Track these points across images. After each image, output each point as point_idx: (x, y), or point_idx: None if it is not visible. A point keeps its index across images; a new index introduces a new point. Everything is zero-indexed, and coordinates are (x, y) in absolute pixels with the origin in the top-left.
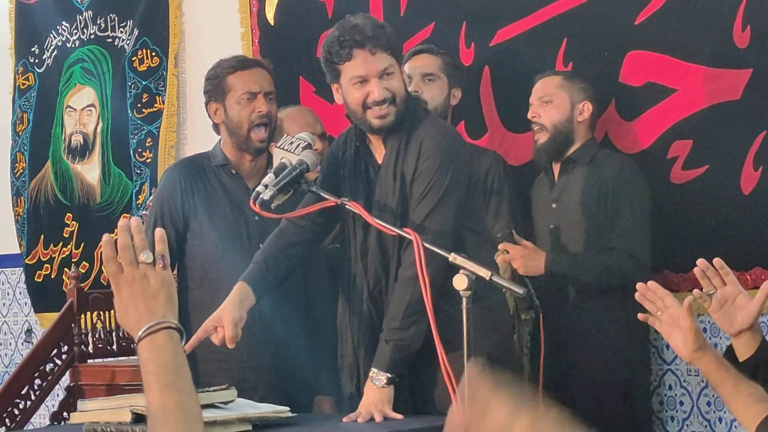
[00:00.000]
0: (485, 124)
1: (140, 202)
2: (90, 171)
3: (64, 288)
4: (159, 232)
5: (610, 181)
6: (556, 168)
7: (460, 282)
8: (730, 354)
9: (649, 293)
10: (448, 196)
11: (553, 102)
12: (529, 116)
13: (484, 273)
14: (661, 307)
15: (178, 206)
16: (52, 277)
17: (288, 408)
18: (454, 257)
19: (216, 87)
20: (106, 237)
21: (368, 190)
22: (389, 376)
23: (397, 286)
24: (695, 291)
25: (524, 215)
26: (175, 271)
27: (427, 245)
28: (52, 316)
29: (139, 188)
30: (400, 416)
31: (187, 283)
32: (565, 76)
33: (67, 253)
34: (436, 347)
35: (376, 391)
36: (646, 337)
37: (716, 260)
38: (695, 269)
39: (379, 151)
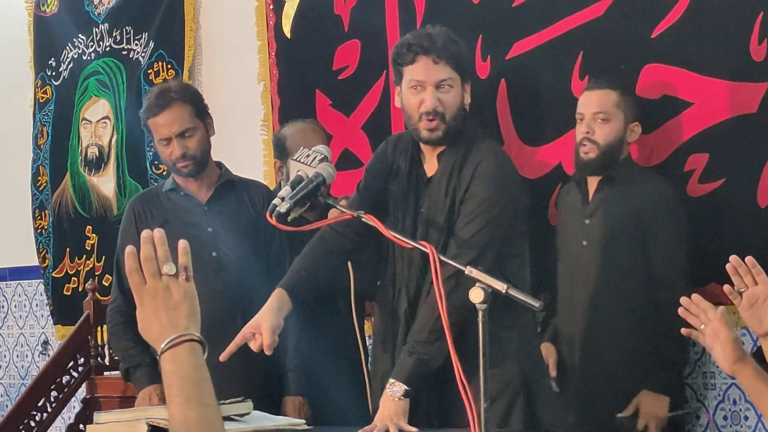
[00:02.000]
0: (501, 138)
1: None
2: (105, 183)
3: None
4: (182, 244)
5: (649, 205)
6: (592, 182)
7: (476, 295)
8: (758, 355)
9: (693, 307)
10: (494, 223)
11: (610, 121)
12: (582, 131)
13: (500, 286)
14: (704, 321)
15: (134, 236)
16: (80, 290)
17: (303, 420)
18: (470, 270)
19: (146, 128)
20: (129, 248)
21: (417, 202)
22: (407, 388)
23: (428, 299)
24: (725, 286)
25: (540, 228)
26: None
27: (442, 258)
28: None
29: None
30: (414, 429)
31: None
32: (621, 92)
33: (91, 266)
34: (453, 361)
35: (392, 403)
36: None
37: (748, 258)
38: (727, 265)
39: (429, 163)
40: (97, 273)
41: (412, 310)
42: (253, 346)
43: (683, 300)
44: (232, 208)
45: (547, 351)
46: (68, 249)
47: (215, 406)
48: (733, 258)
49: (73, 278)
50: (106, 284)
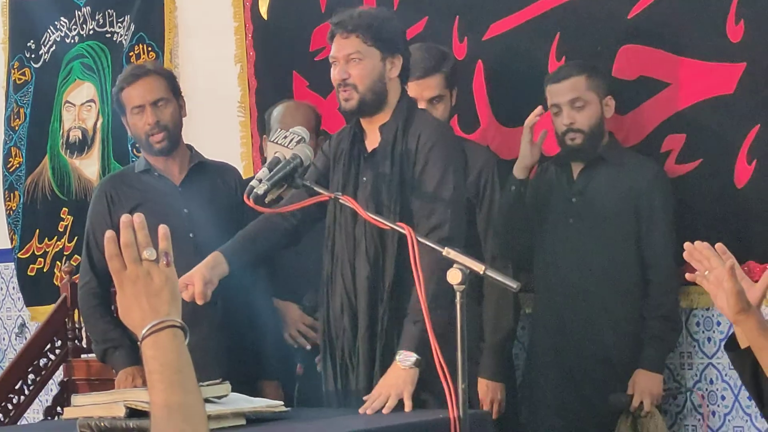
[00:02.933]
0: (478, 119)
1: None
2: (89, 166)
3: (55, 281)
4: (163, 229)
5: (645, 186)
6: (576, 162)
7: (454, 276)
8: (732, 342)
9: (696, 253)
10: (457, 201)
11: (587, 105)
12: (564, 123)
13: (478, 267)
14: (708, 267)
15: (107, 217)
16: (45, 270)
17: (282, 402)
18: (447, 251)
19: (117, 104)
20: (108, 233)
21: (357, 175)
22: (417, 357)
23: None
24: (687, 274)
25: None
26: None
27: (420, 239)
28: (45, 310)
29: None
30: (410, 406)
31: None
32: (588, 74)
33: (60, 246)
34: (431, 342)
35: (402, 371)
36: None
37: (718, 245)
38: (684, 254)
39: (371, 138)
40: (66, 253)
41: (375, 274)
42: (186, 296)
43: (687, 245)
44: (206, 189)
45: None
46: (38, 230)
47: (197, 392)
48: (687, 244)
49: (39, 259)
50: (75, 264)
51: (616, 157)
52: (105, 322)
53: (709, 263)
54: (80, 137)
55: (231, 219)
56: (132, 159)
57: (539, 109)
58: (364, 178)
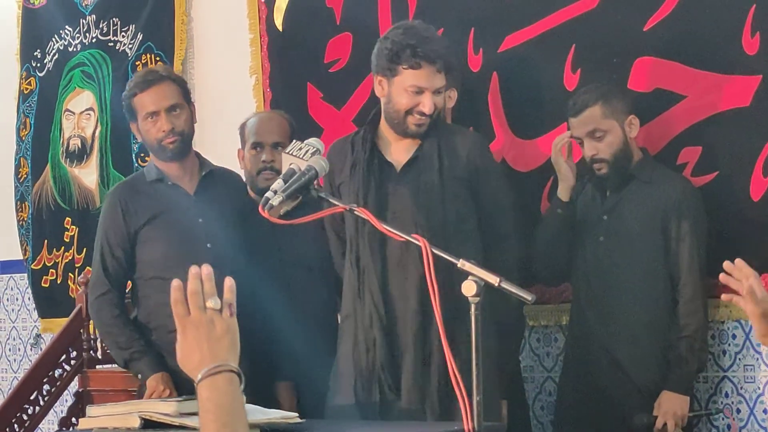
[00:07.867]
0: (493, 131)
1: None
2: (88, 175)
3: (70, 293)
4: (229, 281)
5: (675, 204)
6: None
7: (468, 288)
8: None
9: (736, 272)
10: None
11: (606, 134)
12: (588, 154)
13: (493, 279)
14: (747, 287)
15: (122, 227)
16: (58, 282)
17: (296, 414)
18: (462, 263)
19: (128, 109)
20: (175, 282)
21: (381, 190)
22: None
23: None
24: (723, 296)
25: (532, 220)
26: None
27: (435, 250)
28: (60, 322)
29: None
30: None
31: (140, 293)
32: (603, 100)
33: (70, 258)
34: (446, 355)
35: None
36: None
37: (737, 261)
38: (721, 275)
39: (395, 153)
40: (77, 265)
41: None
42: None
43: (726, 264)
44: (219, 198)
45: None
46: (46, 241)
47: None
48: (726, 264)
49: (51, 270)
50: (89, 275)
51: (646, 173)
52: (130, 330)
53: (748, 282)
54: (79, 146)
55: (243, 227)
56: (136, 168)
57: (568, 132)
58: (389, 190)
